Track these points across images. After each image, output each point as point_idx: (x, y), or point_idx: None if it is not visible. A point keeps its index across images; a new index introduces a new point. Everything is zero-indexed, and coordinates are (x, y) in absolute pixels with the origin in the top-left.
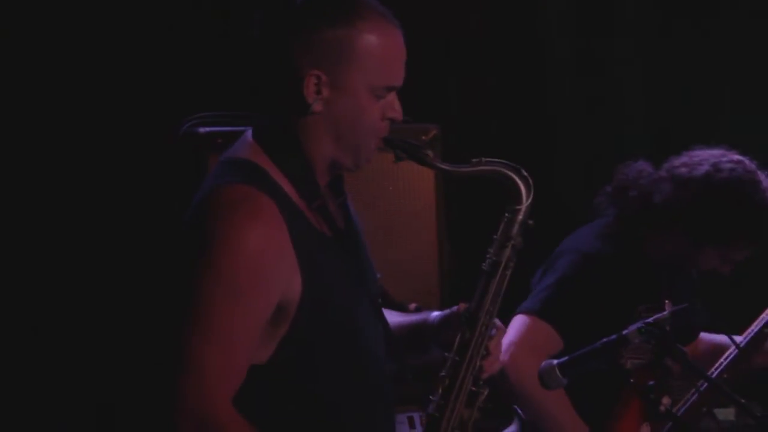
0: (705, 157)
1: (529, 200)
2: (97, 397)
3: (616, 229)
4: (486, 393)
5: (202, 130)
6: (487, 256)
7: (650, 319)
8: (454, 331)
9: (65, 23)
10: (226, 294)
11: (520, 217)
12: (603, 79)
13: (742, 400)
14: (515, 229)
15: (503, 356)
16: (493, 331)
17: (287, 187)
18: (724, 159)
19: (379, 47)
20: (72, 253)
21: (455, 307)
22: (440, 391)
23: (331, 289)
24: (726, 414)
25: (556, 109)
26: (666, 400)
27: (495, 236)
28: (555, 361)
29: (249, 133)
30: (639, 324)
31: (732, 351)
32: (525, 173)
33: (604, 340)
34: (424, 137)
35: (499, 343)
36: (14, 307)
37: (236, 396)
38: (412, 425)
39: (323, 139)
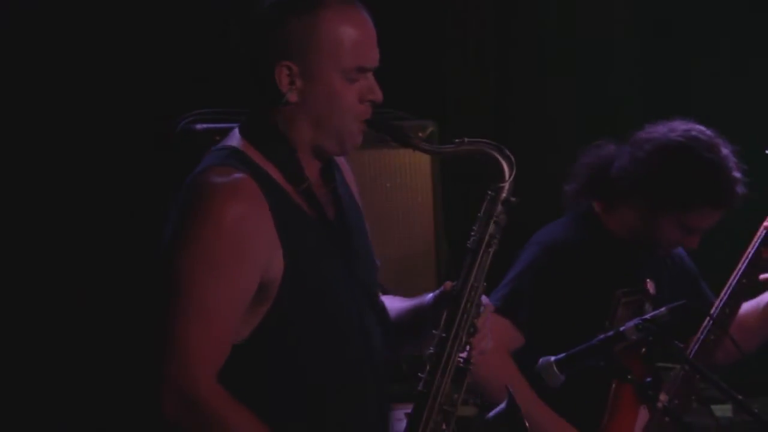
0: (663, 127)
1: (512, 178)
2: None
3: (582, 215)
4: (474, 368)
5: (199, 127)
6: (471, 233)
7: (648, 316)
8: (442, 310)
9: (60, 22)
10: (206, 270)
11: (503, 194)
12: (605, 79)
13: (739, 397)
14: (498, 206)
15: None
16: (481, 309)
17: (275, 174)
18: (681, 126)
19: (344, 31)
20: (68, 250)
21: (441, 287)
22: (428, 367)
23: (315, 269)
24: (723, 410)
25: (554, 105)
26: (663, 397)
27: (479, 214)
28: (552, 358)
29: (237, 128)
30: (636, 321)
31: (732, 281)
32: (507, 152)
33: (601, 336)
34: (421, 134)
35: (486, 320)
36: (14, 302)
37: (219, 373)
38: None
39: (303, 127)
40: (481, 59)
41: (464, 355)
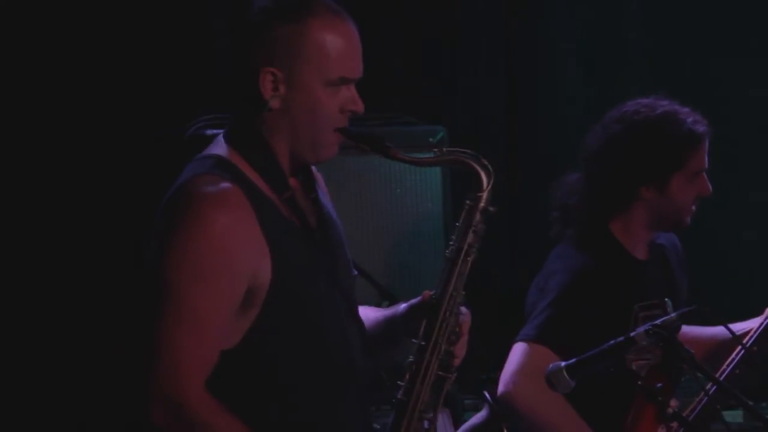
0: (601, 129)
1: (489, 186)
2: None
3: (591, 238)
4: (453, 378)
5: (209, 132)
6: (450, 242)
7: (658, 321)
8: (421, 319)
9: (69, 26)
10: (194, 278)
11: (482, 204)
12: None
13: (750, 403)
14: (477, 216)
15: (507, 386)
16: (461, 317)
17: (259, 182)
18: (615, 114)
19: (330, 41)
20: (77, 253)
21: (420, 296)
22: (407, 376)
23: (300, 277)
24: (734, 416)
25: (564, 110)
26: (674, 403)
27: (457, 223)
28: (563, 363)
29: (222, 134)
30: (647, 326)
31: (740, 350)
32: (485, 162)
33: (612, 342)
34: (431, 139)
35: (466, 328)
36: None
37: (208, 380)
38: None
39: (283, 134)
40: (493, 63)
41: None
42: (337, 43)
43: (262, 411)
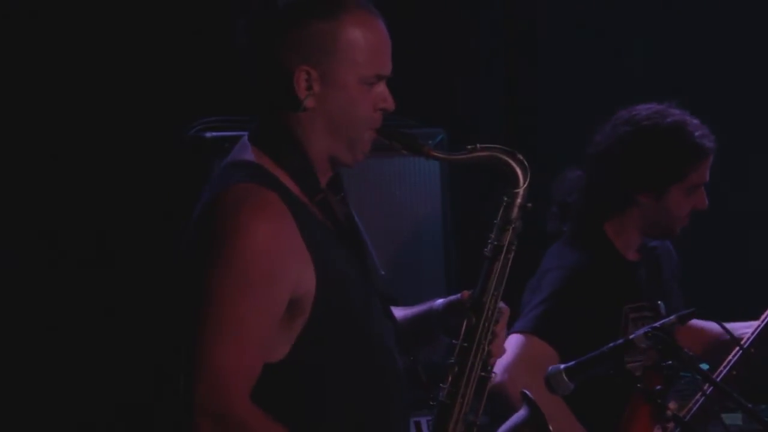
0: (611, 129)
1: (526, 183)
2: (115, 399)
3: (585, 237)
4: (494, 378)
5: (208, 134)
6: (489, 240)
7: (657, 324)
8: (459, 318)
9: (75, 26)
10: (238, 289)
11: (519, 200)
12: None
13: (750, 405)
14: (514, 212)
15: (501, 376)
16: (499, 315)
17: (289, 184)
18: (624, 116)
19: (364, 37)
20: (77, 256)
21: (459, 294)
22: (450, 378)
23: (343, 281)
24: (733, 419)
25: (565, 109)
26: (673, 405)
27: (495, 221)
28: (562, 366)
29: (246, 137)
30: (646, 328)
31: (737, 351)
32: (521, 157)
33: (611, 344)
34: (430, 142)
35: (504, 326)
36: (23, 308)
37: (255, 392)
38: (419, 430)
39: (319, 134)
40: (492, 64)
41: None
42: (370, 40)
43: (313, 422)
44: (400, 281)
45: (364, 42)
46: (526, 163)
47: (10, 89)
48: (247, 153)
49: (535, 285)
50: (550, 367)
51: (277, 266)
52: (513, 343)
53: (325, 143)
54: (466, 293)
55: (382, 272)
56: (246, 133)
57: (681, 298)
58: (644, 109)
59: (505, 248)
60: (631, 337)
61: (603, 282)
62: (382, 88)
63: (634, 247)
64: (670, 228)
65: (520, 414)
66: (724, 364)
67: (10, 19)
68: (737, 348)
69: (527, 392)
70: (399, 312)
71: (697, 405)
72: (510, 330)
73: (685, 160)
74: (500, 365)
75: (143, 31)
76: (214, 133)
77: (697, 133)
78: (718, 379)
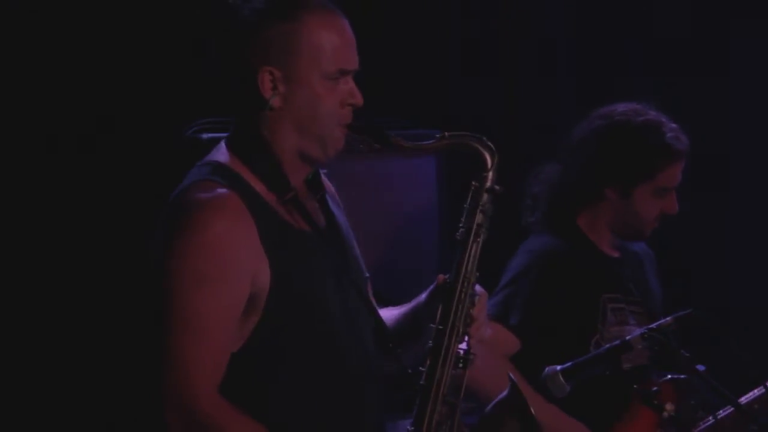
0: (586, 123)
1: (494, 166)
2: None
3: (568, 229)
4: (473, 359)
5: (204, 136)
6: (460, 225)
7: (653, 325)
8: (438, 304)
9: (68, 25)
10: (194, 284)
11: (487, 184)
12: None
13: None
14: (483, 196)
15: None
16: (476, 298)
17: (258, 186)
18: (600, 113)
19: (325, 36)
20: (72, 257)
21: (437, 280)
22: (428, 361)
23: (304, 279)
24: None
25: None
26: (669, 407)
27: (465, 205)
28: (558, 367)
29: (224, 139)
30: (642, 330)
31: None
32: (488, 141)
33: (607, 345)
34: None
35: (482, 308)
36: (15, 307)
37: (220, 384)
38: None
39: (287, 133)
40: (488, 64)
41: (463, 346)
42: (332, 37)
43: (274, 413)
44: (395, 281)
45: (325, 40)
46: (493, 147)
47: (7, 90)
48: (219, 154)
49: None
50: (546, 368)
51: (231, 261)
52: None
53: (294, 141)
54: (441, 277)
55: (367, 274)
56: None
57: (662, 303)
58: (622, 106)
59: (473, 231)
60: (627, 338)
61: (574, 268)
62: (348, 83)
63: (608, 243)
64: (639, 229)
65: (502, 396)
66: (747, 395)
67: (8, 19)
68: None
69: (511, 375)
70: (391, 311)
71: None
72: None
73: (654, 157)
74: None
75: (141, 31)
76: (211, 135)
77: (669, 134)
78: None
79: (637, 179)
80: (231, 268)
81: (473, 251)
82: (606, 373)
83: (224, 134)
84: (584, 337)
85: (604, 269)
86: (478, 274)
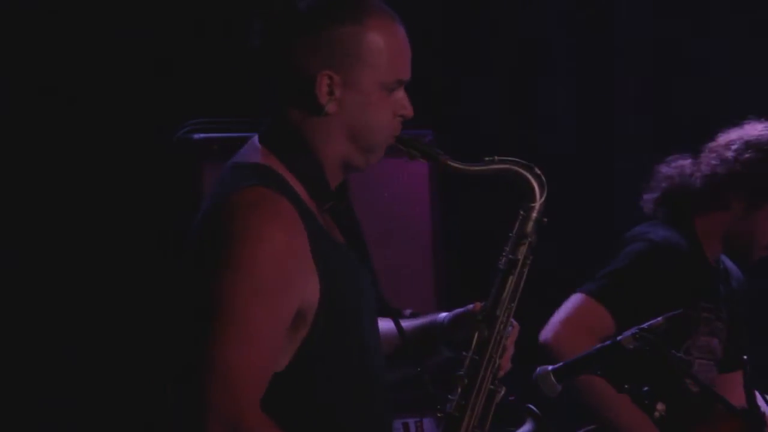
0: (739, 130)
1: (543, 198)
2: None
3: (682, 225)
4: (503, 391)
5: (196, 136)
6: (503, 254)
7: (645, 325)
8: (467, 331)
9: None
10: (252, 295)
11: (534, 214)
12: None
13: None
14: (530, 226)
15: (550, 332)
16: (510, 329)
17: (299, 189)
18: (757, 125)
19: (386, 42)
20: (67, 259)
21: (468, 306)
22: (459, 390)
23: (344, 294)
24: None
25: (550, 112)
26: (660, 406)
27: (510, 234)
28: (550, 367)
29: (256, 138)
30: (633, 330)
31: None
32: (538, 171)
33: (599, 345)
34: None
35: (513, 341)
36: (19, 312)
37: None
38: (406, 431)
39: (338, 140)
40: (476, 63)
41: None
42: (392, 45)
43: (312, 429)
44: (388, 283)
45: (386, 47)
46: (543, 177)
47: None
48: (257, 154)
49: (614, 251)
50: (538, 368)
51: (289, 274)
52: (573, 302)
53: (342, 149)
54: (478, 305)
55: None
56: (255, 135)
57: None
58: None
59: (520, 262)
60: (618, 338)
61: (684, 267)
62: (401, 94)
63: (714, 252)
64: (749, 247)
65: (525, 429)
66: None
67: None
68: None
69: (532, 407)
70: (402, 324)
71: None
72: (577, 289)
73: None
74: (552, 321)
75: (134, 32)
76: (202, 135)
77: None
78: None
79: (766, 197)
80: (288, 280)
81: (515, 282)
82: (597, 374)
83: (216, 135)
84: (679, 340)
85: (709, 277)
86: (514, 305)
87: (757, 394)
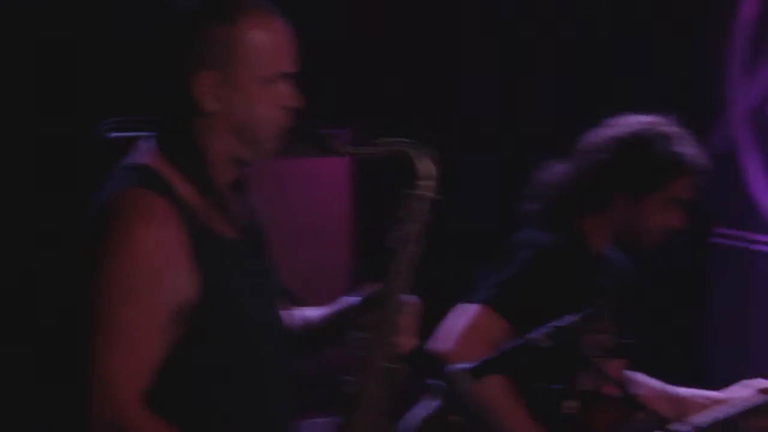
0: (606, 129)
1: (433, 175)
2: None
3: (561, 225)
4: (403, 369)
5: (111, 135)
6: (394, 232)
7: (560, 323)
8: (367, 312)
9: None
10: (123, 296)
11: (421, 192)
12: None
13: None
14: (418, 204)
15: (448, 344)
16: (409, 308)
17: (185, 189)
18: (624, 122)
19: (263, 38)
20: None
21: (372, 288)
22: (355, 370)
23: (230, 290)
24: None
25: (474, 107)
26: (572, 403)
27: (400, 213)
28: (466, 365)
29: (149, 139)
30: (547, 327)
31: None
32: (428, 149)
33: (510, 345)
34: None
35: (413, 319)
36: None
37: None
38: None
39: (222, 137)
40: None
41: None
42: (270, 40)
43: (201, 425)
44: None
45: (262, 43)
46: (433, 155)
47: None
48: (147, 155)
49: (502, 259)
50: (449, 366)
51: (162, 273)
52: (469, 313)
53: (228, 145)
54: (374, 286)
55: (281, 274)
56: (152, 135)
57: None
58: (650, 117)
59: (409, 240)
60: (532, 335)
61: (573, 270)
62: (286, 86)
63: (602, 248)
64: (639, 238)
65: (428, 404)
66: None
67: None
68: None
69: (441, 383)
70: (309, 312)
71: None
72: (468, 299)
73: (670, 168)
74: (446, 332)
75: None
76: (117, 134)
77: (691, 150)
78: None
79: (648, 188)
80: (160, 280)
81: (406, 261)
82: (511, 372)
83: (130, 134)
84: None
85: (595, 276)
86: (410, 284)
87: (643, 376)
